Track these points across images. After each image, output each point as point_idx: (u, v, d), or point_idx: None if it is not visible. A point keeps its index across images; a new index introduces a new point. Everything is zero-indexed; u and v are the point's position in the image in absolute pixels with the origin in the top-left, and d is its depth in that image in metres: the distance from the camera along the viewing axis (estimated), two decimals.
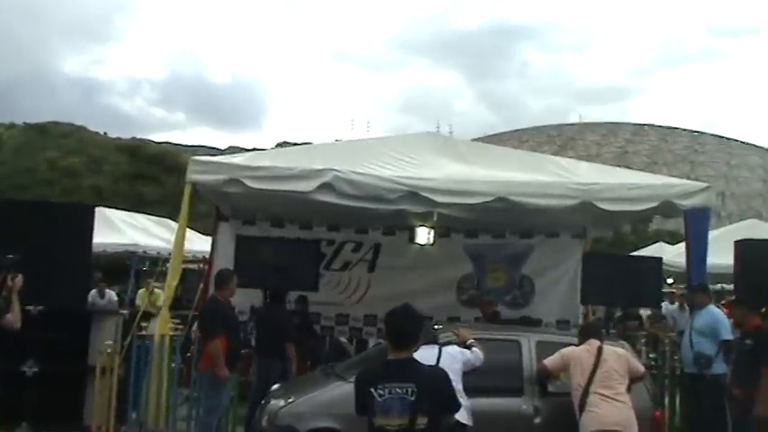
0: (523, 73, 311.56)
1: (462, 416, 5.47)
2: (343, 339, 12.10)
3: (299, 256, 9.65)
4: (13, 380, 6.74)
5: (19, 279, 6.02)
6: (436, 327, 6.89)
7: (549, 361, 6.43)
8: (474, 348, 6.35)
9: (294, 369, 8.89)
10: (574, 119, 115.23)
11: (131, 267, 17.40)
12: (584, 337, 6.50)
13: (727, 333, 8.39)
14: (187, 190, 8.51)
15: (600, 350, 6.21)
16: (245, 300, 10.09)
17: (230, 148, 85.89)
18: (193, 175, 8.54)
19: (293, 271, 9.46)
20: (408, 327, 3.97)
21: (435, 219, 9.20)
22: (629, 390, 6.18)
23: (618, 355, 6.28)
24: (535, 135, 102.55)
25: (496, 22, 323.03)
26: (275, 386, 7.56)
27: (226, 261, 9.58)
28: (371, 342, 11.73)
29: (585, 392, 6.01)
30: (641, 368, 6.56)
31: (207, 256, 12.16)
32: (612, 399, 5.98)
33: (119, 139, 57.82)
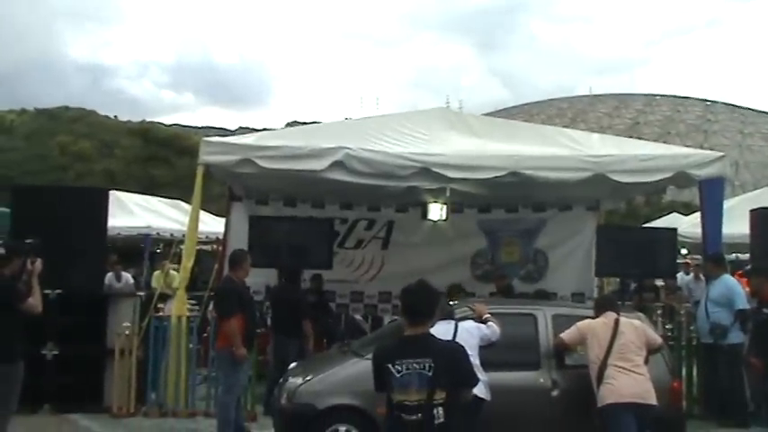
0: (531, 46, 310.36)
1: (480, 390, 5.47)
2: (358, 317, 12.10)
3: (312, 234, 9.69)
4: (33, 364, 6.66)
5: (38, 263, 6.05)
6: (451, 303, 6.89)
7: (567, 335, 6.38)
8: (490, 323, 6.35)
9: (311, 346, 8.93)
10: (583, 91, 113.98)
11: (145, 250, 17.61)
12: (599, 309, 6.44)
13: (743, 302, 8.35)
14: (200, 171, 8.58)
15: (617, 322, 6.15)
16: (259, 279, 10.18)
17: (240, 128, 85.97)
18: (205, 157, 8.60)
19: (307, 250, 9.50)
20: (424, 303, 3.95)
21: (448, 194, 9.23)
22: (646, 361, 6.12)
23: (635, 327, 6.21)
24: (545, 108, 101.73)
25: None
26: (293, 364, 7.60)
27: (240, 241, 9.60)
28: (386, 319, 11.72)
29: (603, 365, 5.95)
30: (659, 339, 6.49)
31: (221, 237, 12.24)
32: (630, 371, 5.92)
33: (129, 122, 58.21)
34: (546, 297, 10.45)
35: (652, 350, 6.33)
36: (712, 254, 8.90)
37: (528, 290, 11.12)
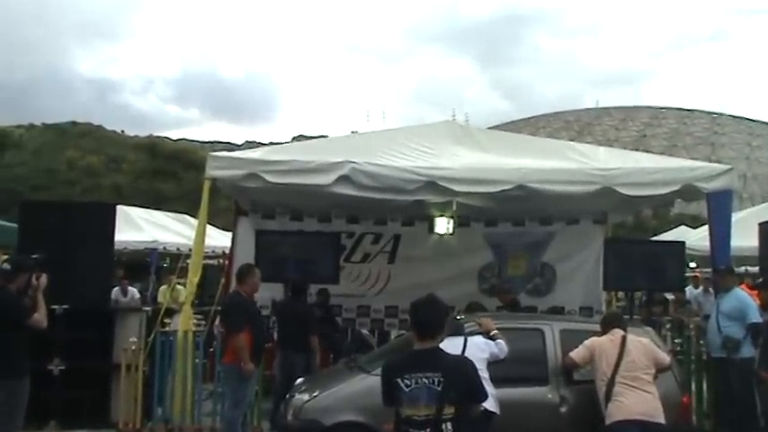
0: (536, 59, 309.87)
1: (490, 404, 5.45)
2: (364, 331, 12.09)
3: (318, 249, 9.63)
4: (40, 379, 6.79)
5: (43, 278, 6.07)
6: (458, 317, 6.86)
7: (576, 354, 6.35)
8: (498, 340, 6.30)
9: (318, 361, 8.88)
10: (589, 104, 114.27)
11: (152, 264, 17.64)
12: (606, 326, 6.41)
13: (756, 316, 8.20)
14: (206, 186, 8.54)
15: (624, 340, 6.13)
16: (266, 294, 9.86)
17: (247, 142, 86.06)
18: (212, 171, 8.56)
19: (313, 264, 9.47)
20: (433, 317, 3.97)
21: (454, 208, 9.19)
22: (654, 379, 6.09)
23: (642, 345, 6.19)
24: (552, 121, 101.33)
25: (507, 9, 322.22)
26: (299, 380, 7.55)
27: (246, 256, 9.58)
28: (393, 333, 11.72)
29: (611, 382, 5.93)
30: (667, 359, 6.44)
31: (227, 252, 12.23)
32: (638, 388, 5.90)
33: (136, 136, 58.45)
34: (554, 311, 10.47)
35: (661, 369, 6.27)
36: (725, 266, 8.75)
37: (535, 304, 11.07)
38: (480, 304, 9.71)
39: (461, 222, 10.74)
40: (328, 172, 8.40)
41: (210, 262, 15.54)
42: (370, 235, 11.88)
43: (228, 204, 11.93)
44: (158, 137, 62.39)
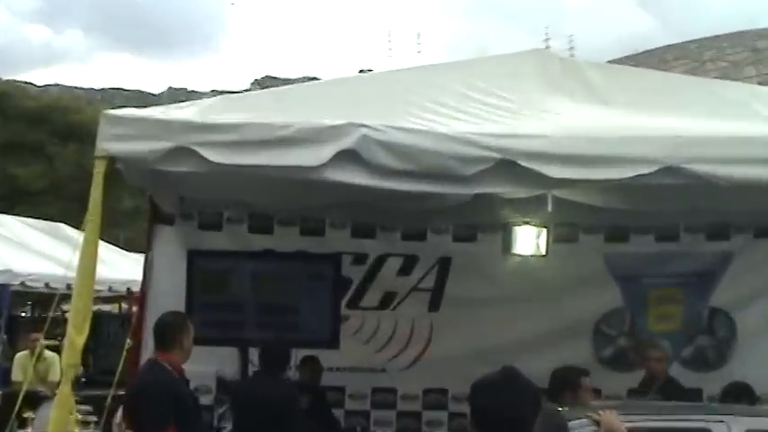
0: None
1: None
2: None
3: (302, 284, 9.95)
4: None
5: None
6: (559, 409, 6.99)
7: None
8: None
9: None
10: None
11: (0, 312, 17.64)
12: None
13: None
14: (98, 170, 8.23)
15: None
16: (205, 368, 10.05)
17: (171, 90, 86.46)
18: (108, 143, 8.21)
19: (294, 312, 9.82)
20: (514, 410, 4.05)
21: (550, 209, 8.62)
22: None
23: None
24: (726, 49, 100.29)
25: None
26: None
27: (171, 297, 9.65)
28: None
29: None
30: None
31: (135, 290, 12.49)
32: None
33: None
34: (733, 395, 9.98)
35: None
36: None
37: (699, 383, 10.84)
38: (586, 370, 9.55)
39: (563, 235, 10.93)
40: (320, 143, 8.05)
41: (106, 308, 15.86)
42: (396, 258, 11.66)
43: (138, 204, 11.90)
44: (9, 81, 61.95)
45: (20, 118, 42.48)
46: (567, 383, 9.08)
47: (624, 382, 10.78)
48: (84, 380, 9.80)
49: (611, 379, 11.01)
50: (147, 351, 8.87)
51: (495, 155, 8.08)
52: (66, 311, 10.67)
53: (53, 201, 28.75)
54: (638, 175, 8.05)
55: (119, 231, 15.65)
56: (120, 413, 8.94)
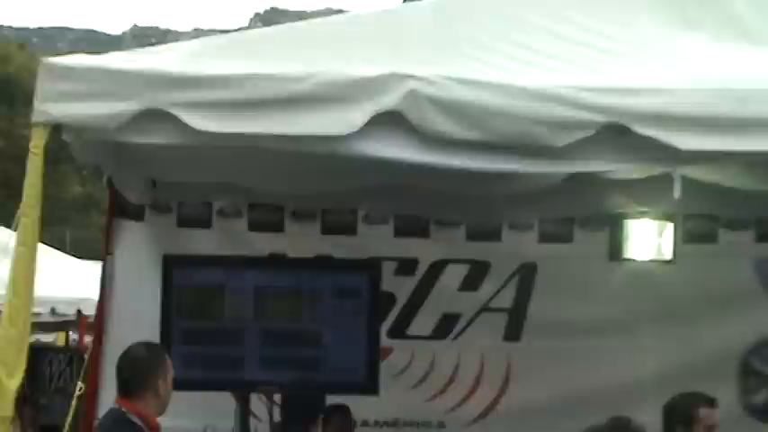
0: None
1: None
2: None
3: (326, 303, 9.10)
4: None
5: None
6: None
7: None
8: None
9: None
10: None
11: None
12: None
13: None
14: (37, 142, 7.32)
15: None
16: (190, 421, 9.11)
17: (136, 29, 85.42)
18: (51, 105, 7.26)
19: (313, 343, 9.04)
20: None
21: (677, 195, 7.45)
22: None
23: None
24: None
25: None
26: None
27: (140, 322, 9.01)
28: None
29: None
30: None
31: (87, 314, 12.97)
32: None
33: None
34: None
35: None
36: None
37: None
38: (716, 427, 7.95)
39: (696, 233, 10.07)
40: (349, 103, 7.02)
41: (48, 339, 15.70)
42: (459, 266, 10.26)
43: (92, 192, 11.20)
44: None
45: None
46: (677, 417, 8.17)
47: None
48: None
49: None
50: (107, 399, 7.95)
51: (598, 118, 7.18)
52: None
53: None
54: None
55: (64, 230, 14.99)
56: None
